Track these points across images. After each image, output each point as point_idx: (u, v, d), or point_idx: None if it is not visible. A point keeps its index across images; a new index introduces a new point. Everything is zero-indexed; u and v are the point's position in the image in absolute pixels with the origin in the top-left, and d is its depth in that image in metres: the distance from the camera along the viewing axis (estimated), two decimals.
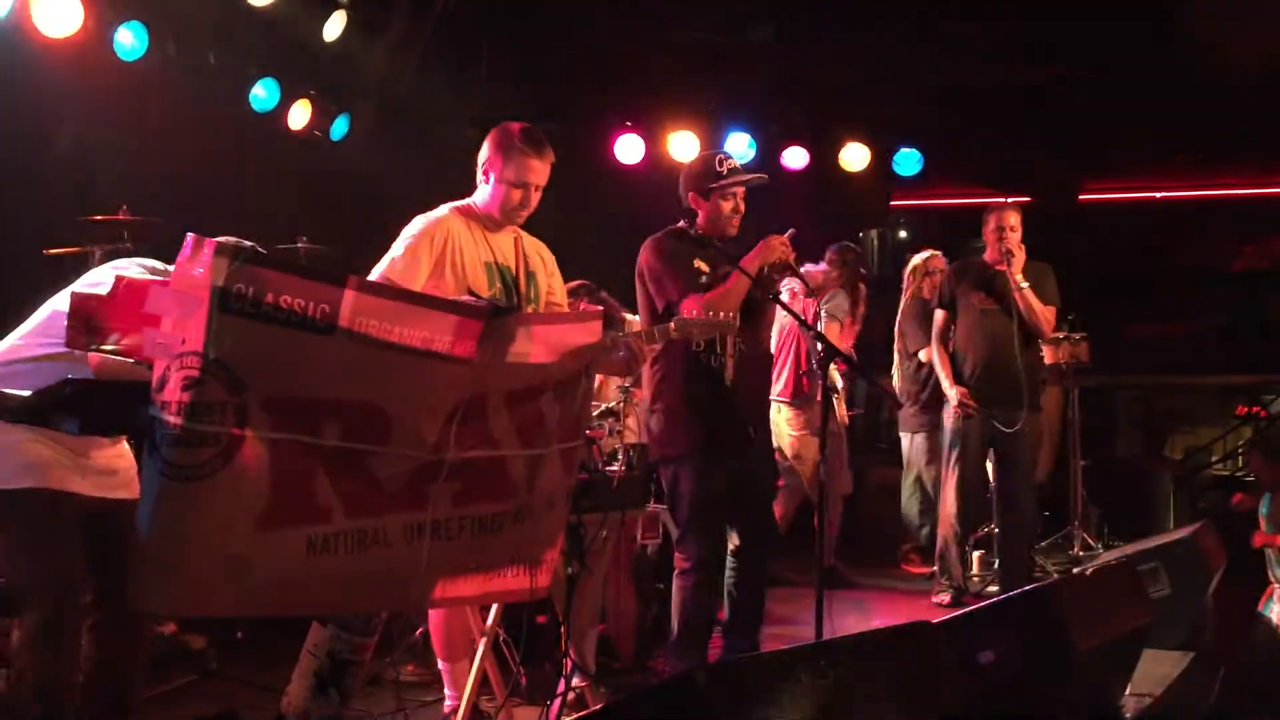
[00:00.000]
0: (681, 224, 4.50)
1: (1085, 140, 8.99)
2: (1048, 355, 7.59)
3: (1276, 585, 5.13)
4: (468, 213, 3.81)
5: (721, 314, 3.72)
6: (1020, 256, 6.03)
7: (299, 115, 6.87)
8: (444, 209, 3.80)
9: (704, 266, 4.38)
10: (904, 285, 7.40)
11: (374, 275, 3.57)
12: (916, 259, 7.43)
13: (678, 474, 4.42)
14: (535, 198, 3.80)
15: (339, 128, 7.26)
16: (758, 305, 4.48)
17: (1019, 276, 6.00)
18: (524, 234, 3.94)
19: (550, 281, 3.98)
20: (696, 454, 4.38)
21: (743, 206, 4.48)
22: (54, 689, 3.23)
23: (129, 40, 5.64)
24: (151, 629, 4.11)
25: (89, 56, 5.51)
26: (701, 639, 4.52)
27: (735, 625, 4.59)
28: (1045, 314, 6.08)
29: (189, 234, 2.47)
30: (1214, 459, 8.30)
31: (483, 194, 3.81)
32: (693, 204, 4.47)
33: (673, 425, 4.41)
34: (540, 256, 3.97)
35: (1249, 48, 6.40)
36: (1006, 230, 6.06)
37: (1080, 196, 9.52)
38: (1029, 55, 8.24)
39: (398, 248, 3.65)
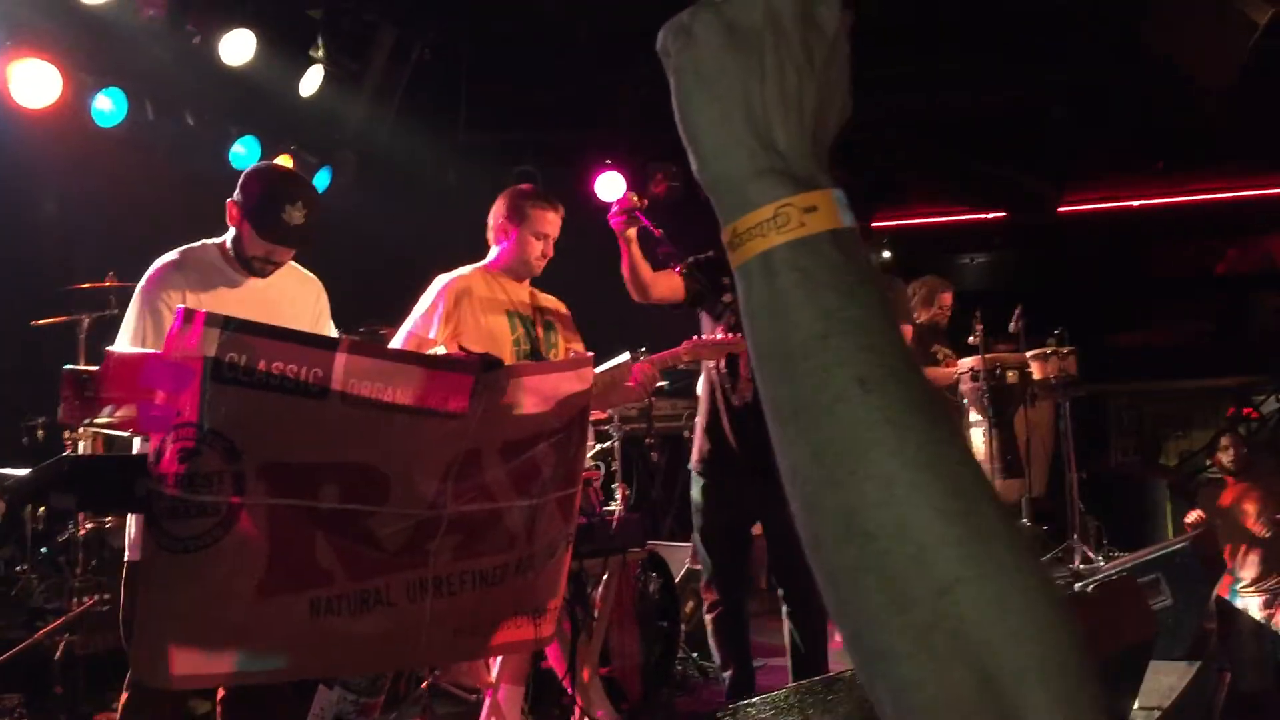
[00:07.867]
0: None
1: (1061, 154, 9.05)
2: (1036, 370, 7.61)
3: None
4: (487, 270, 4.05)
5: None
6: None
7: None
8: (467, 268, 4.04)
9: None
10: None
11: (402, 332, 3.89)
12: (924, 283, 7.39)
13: (690, 488, 4.56)
14: (550, 248, 4.03)
15: (321, 180, 7.29)
16: None
17: None
18: (537, 291, 4.14)
19: (566, 333, 4.13)
20: (701, 472, 4.44)
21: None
22: None
23: (107, 106, 5.67)
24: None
25: (67, 125, 5.54)
26: (740, 669, 4.47)
27: (796, 664, 4.45)
28: None
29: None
30: (1208, 462, 8.32)
31: (497, 252, 4.06)
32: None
33: (696, 441, 4.57)
34: (557, 311, 4.16)
35: (1214, 58, 6.45)
36: None
37: (1059, 209, 9.56)
38: (1001, 75, 8.31)
39: (423, 304, 3.90)
